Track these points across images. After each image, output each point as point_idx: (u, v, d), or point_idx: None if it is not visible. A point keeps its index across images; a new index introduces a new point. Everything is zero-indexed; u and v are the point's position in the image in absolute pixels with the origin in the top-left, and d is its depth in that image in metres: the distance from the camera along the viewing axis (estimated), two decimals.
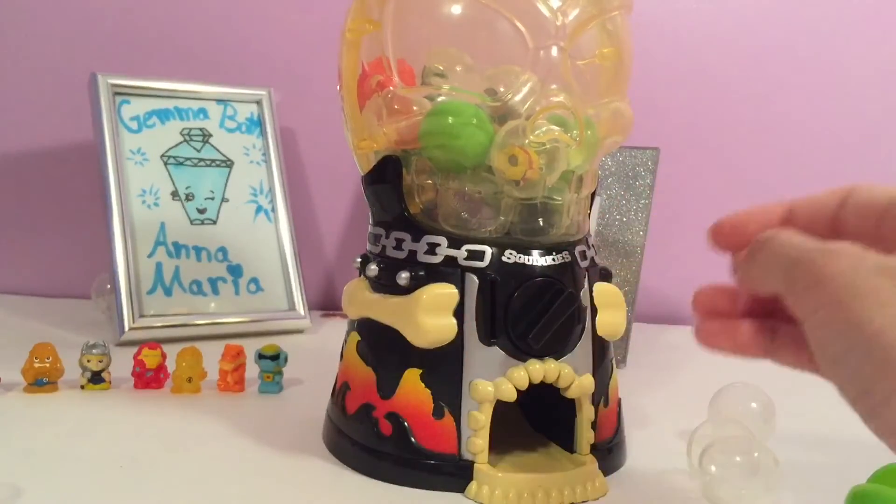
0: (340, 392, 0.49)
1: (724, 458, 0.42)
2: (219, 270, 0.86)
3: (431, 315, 0.43)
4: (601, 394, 0.47)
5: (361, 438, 0.46)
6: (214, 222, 0.87)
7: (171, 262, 0.83)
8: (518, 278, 0.43)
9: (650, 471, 0.48)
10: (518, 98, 0.44)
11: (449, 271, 0.44)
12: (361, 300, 0.48)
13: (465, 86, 0.45)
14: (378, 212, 0.48)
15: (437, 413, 0.43)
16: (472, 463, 0.43)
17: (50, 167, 1.01)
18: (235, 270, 0.86)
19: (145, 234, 0.82)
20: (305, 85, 1.00)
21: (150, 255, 0.82)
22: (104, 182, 0.81)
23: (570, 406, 0.45)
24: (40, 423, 0.52)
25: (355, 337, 0.48)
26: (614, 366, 0.50)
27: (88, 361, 0.59)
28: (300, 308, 0.87)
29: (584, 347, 0.45)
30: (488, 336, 0.43)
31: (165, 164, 0.86)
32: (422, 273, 0.44)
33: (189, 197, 0.86)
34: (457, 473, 0.43)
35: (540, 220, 0.45)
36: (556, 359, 0.44)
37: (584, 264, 0.46)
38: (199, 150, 0.88)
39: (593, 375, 0.45)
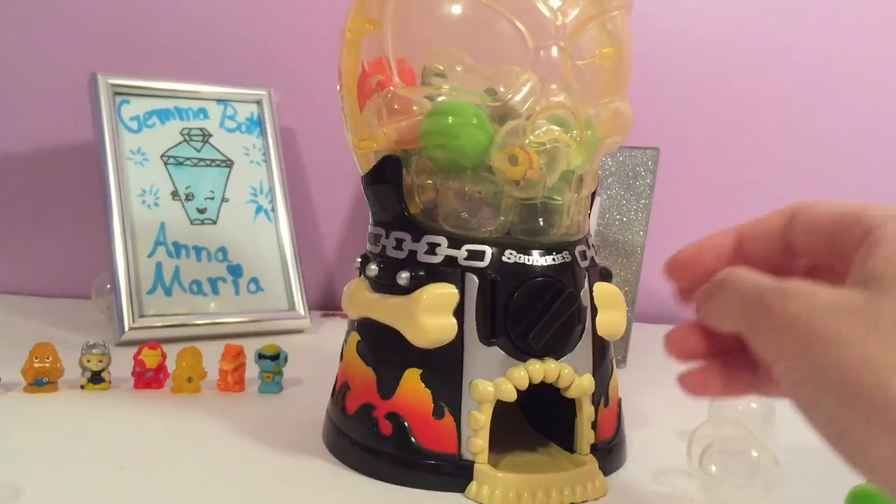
0: (340, 392, 0.49)
1: (724, 458, 0.42)
2: (219, 270, 0.85)
3: (431, 315, 0.43)
4: (601, 394, 0.47)
5: (361, 438, 0.46)
6: (214, 222, 0.87)
7: (171, 262, 0.83)
8: (518, 278, 0.43)
9: (650, 471, 0.48)
10: (518, 98, 0.44)
11: (449, 271, 0.44)
12: (361, 300, 0.48)
13: (465, 86, 0.45)
14: (378, 212, 0.48)
15: (437, 413, 0.43)
16: (472, 463, 0.43)
17: (50, 167, 1.01)
18: (235, 270, 0.86)
19: (145, 234, 0.82)
20: (305, 85, 1.00)
21: (150, 255, 0.82)
22: (104, 182, 0.81)
23: (570, 406, 0.45)
24: (40, 423, 0.52)
25: (355, 337, 0.48)
26: (614, 366, 0.50)
27: (88, 361, 0.59)
28: (300, 308, 0.87)
29: (584, 347, 0.45)
30: (488, 336, 0.43)
31: (165, 163, 0.86)
32: (422, 273, 0.44)
33: (189, 197, 0.86)
34: (457, 473, 0.43)
35: (540, 220, 0.45)
36: (556, 359, 0.44)
37: (584, 264, 0.46)
38: (199, 150, 0.88)
39: (593, 375, 0.45)
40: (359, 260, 0.49)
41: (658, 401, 0.62)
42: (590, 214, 0.49)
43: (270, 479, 0.45)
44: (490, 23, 0.44)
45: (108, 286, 0.82)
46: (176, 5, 1.01)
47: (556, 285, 0.43)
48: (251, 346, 0.62)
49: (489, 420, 0.43)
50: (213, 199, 0.87)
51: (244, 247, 0.87)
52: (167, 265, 0.83)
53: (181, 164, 0.87)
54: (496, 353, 0.43)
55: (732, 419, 0.48)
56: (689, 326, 0.30)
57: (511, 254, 0.44)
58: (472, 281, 0.43)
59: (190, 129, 0.88)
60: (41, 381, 0.58)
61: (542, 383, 0.43)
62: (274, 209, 0.90)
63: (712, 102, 1.01)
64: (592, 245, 0.49)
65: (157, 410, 0.56)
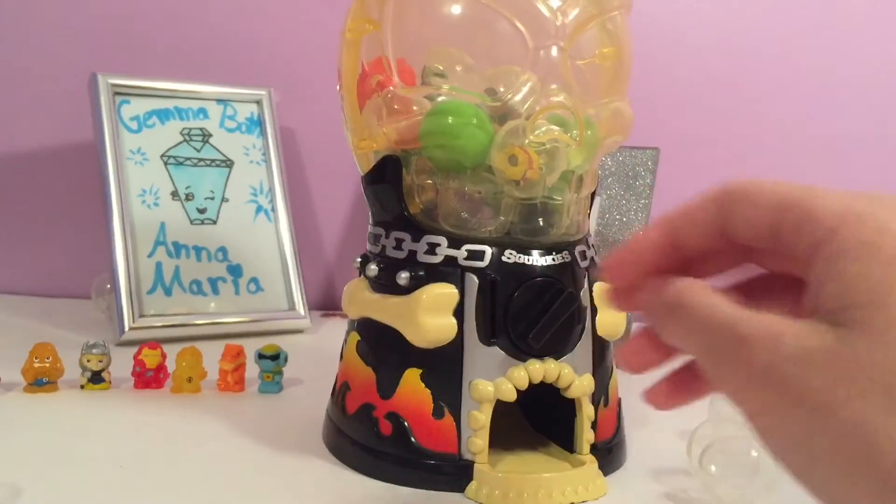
0: (340, 392, 0.49)
1: (724, 457, 0.42)
2: (219, 270, 0.85)
3: (431, 315, 0.43)
4: (601, 394, 0.47)
5: (361, 438, 0.46)
6: (214, 222, 0.87)
7: (171, 261, 0.83)
8: (518, 278, 0.43)
9: (650, 471, 0.48)
10: (518, 98, 0.44)
11: (449, 271, 0.44)
12: (361, 300, 0.48)
13: (465, 86, 0.45)
14: (378, 212, 0.48)
15: (437, 413, 0.43)
16: (472, 463, 0.43)
17: (50, 167, 1.01)
18: (235, 270, 0.86)
19: (145, 234, 0.82)
20: (305, 85, 1.00)
21: (150, 255, 0.82)
22: (104, 182, 0.81)
23: (570, 406, 0.45)
24: (40, 423, 0.52)
25: (355, 337, 0.48)
26: (614, 366, 0.50)
27: (88, 361, 0.59)
28: (300, 308, 0.87)
29: (584, 347, 0.45)
30: (488, 336, 0.43)
31: (165, 163, 0.86)
32: (422, 273, 0.44)
33: (189, 197, 0.86)
34: (457, 473, 0.43)
35: (540, 220, 0.45)
36: (556, 359, 0.44)
37: (584, 264, 0.46)
38: (199, 150, 0.88)
39: (593, 375, 0.45)
40: (359, 260, 0.49)
41: None
42: (590, 214, 0.49)
43: (270, 480, 0.45)
44: (490, 23, 0.44)
45: (108, 286, 0.82)
46: (176, 5, 1.00)
47: (556, 285, 0.43)
48: (251, 346, 0.62)
49: (489, 420, 0.43)
50: (213, 199, 0.87)
51: (244, 247, 0.87)
52: (167, 265, 0.82)
53: (181, 164, 0.87)
54: (496, 353, 0.43)
55: (732, 419, 0.48)
56: (641, 338, 0.28)
57: (511, 254, 0.44)
58: (472, 281, 0.43)
59: (190, 129, 0.88)
60: (41, 381, 0.58)
61: (542, 383, 0.43)
62: (274, 209, 0.90)
63: (712, 102, 1.01)
64: (592, 245, 0.49)
65: (157, 410, 0.56)
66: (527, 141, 0.42)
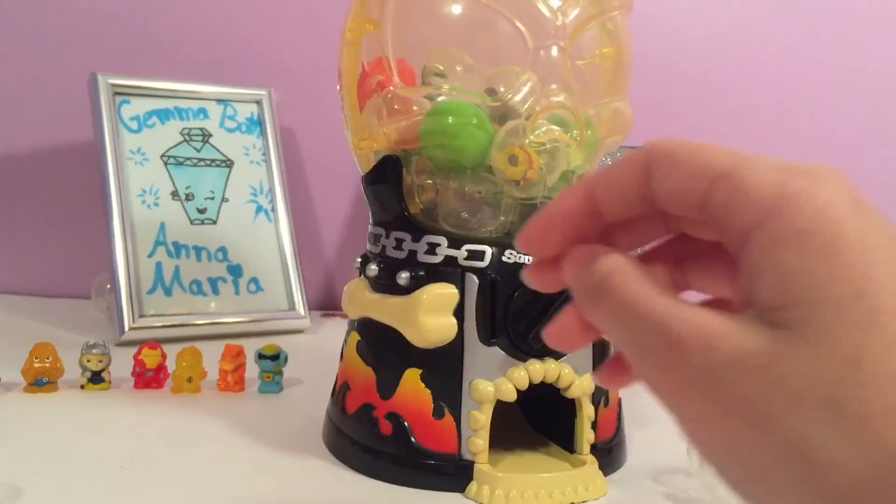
0: (340, 392, 0.49)
1: None
2: (219, 270, 0.85)
3: (431, 315, 0.43)
4: (601, 394, 0.47)
5: (361, 438, 0.46)
6: (214, 222, 0.87)
7: (171, 261, 0.83)
8: (518, 278, 0.43)
9: (650, 471, 0.48)
10: (518, 98, 0.44)
11: (449, 271, 0.44)
12: (361, 300, 0.48)
13: (465, 86, 0.45)
14: (378, 212, 0.48)
15: (438, 413, 0.43)
16: (472, 463, 0.43)
17: (50, 167, 1.01)
18: (235, 270, 0.86)
19: (145, 234, 0.82)
20: (305, 85, 1.00)
21: (150, 255, 0.82)
22: (104, 182, 0.81)
23: (570, 406, 0.45)
24: (40, 423, 0.52)
25: (355, 337, 0.48)
26: None
27: (88, 361, 0.59)
28: (300, 308, 0.87)
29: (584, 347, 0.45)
30: (488, 336, 0.43)
31: (165, 163, 0.86)
32: (422, 273, 0.44)
33: (189, 197, 0.86)
34: (457, 473, 0.43)
35: None
36: (556, 359, 0.44)
37: None
38: (199, 150, 0.88)
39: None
40: (359, 260, 0.49)
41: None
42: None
43: (270, 479, 0.44)
44: (490, 23, 0.44)
45: (108, 286, 0.82)
46: (176, 5, 1.00)
47: None
48: (251, 346, 0.62)
49: (489, 420, 0.43)
50: (213, 199, 0.87)
51: (244, 247, 0.87)
52: (167, 265, 0.83)
53: (181, 164, 0.87)
54: (496, 353, 0.43)
55: None
56: (568, 314, 0.24)
57: (511, 254, 0.44)
58: (472, 281, 0.43)
59: (190, 129, 0.88)
60: (41, 381, 0.58)
61: (542, 383, 0.43)
62: (274, 209, 0.90)
63: (712, 102, 1.01)
64: None
65: (157, 410, 0.56)
66: (527, 141, 0.42)
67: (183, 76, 0.92)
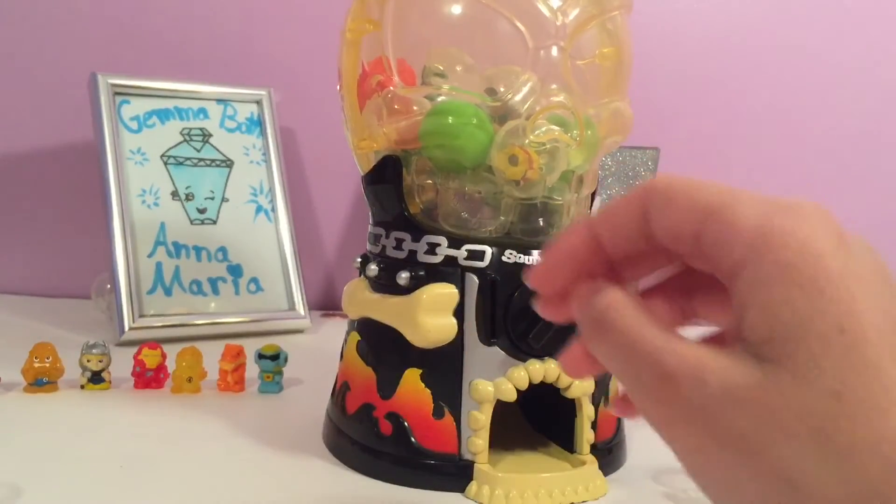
0: (340, 392, 0.49)
1: None
2: (219, 270, 0.85)
3: (431, 315, 0.43)
4: (601, 394, 0.47)
5: (361, 438, 0.46)
6: (214, 222, 0.87)
7: (171, 261, 0.83)
8: (518, 278, 0.43)
9: (650, 471, 0.48)
10: (518, 98, 0.44)
11: (449, 271, 0.44)
12: (361, 300, 0.48)
13: (465, 86, 0.45)
14: (378, 212, 0.48)
15: (437, 413, 0.43)
16: (472, 463, 0.43)
17: (50, 167, 1.01)
18: (235, 270, 0.86)
19: (145, 234, 0.82)
20: (305, 85, 1.00)
21: (150, 255, 0.82)
22: (104, 182, 0.81)
23: (570, 406, 0.45)
24: (40, 423, 0.52)
25: (355, 337, 0.48)
26: None
27: (88, 361, 0.59)
28: (300, 308, 0.87)
29: None
30: (488, 336, 0.43)
31: (165, 163, 0.86)
32: (422, 273, 0.44)
33: (189, 197, 0.86)
34: (457, 473, 0.43)
35: (540, 220, 0.45)
36: (557, 359, 0.44)
37: None
38: (199, 150, 0.88)
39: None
40: (359, 260, 0.49)
41: None
42: (590, 214, 0.49)
43: (270, 479, 0.44)
44: (490, 23, 0.44)
45: (108, 286, 0.82)
46: (176, 5, 1.00)
47: None
48: (251, 346, 0.62)
49: (489, 420, 0.43)
50: (213, 199, 0.87)
51: (244, 247, 0.87)
52: (167, 265, 0.83)
53: (181, 164, 0.87)
54: (496, 353, 0.43)
55: None
56: (577, 347, 0.26)
57: (511, 254, 0.44)
58: (472, 281, 0.43)
59: (190, 129, 0.88)
60: (41, 381, 0.58)
61: (542, 383, 0.43)
62: (274, 209, 0.90)
63: (712, 102, 1.01)
64: None
65: (157, 410, 0.56)
66: (527, 141, 0.42)
67: (183, 76, 0.92)
